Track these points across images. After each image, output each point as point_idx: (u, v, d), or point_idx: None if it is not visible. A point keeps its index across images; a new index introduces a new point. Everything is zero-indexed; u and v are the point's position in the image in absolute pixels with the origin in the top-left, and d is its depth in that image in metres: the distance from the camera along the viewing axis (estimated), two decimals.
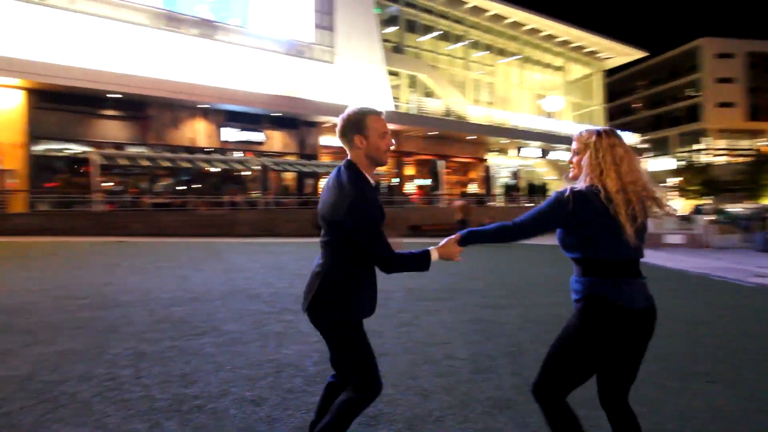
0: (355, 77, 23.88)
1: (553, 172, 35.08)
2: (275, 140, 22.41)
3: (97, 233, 13.58)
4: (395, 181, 26.91)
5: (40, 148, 17.22)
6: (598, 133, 1.97)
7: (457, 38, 31.54)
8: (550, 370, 1.96)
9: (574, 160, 2.04)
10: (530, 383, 2.08)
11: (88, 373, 3.38)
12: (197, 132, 20.28)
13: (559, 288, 7.49)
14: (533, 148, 33.15)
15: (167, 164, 16.82)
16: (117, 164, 16.27)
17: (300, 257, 10.23)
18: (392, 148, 2.10)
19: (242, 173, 21.46)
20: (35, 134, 16.98)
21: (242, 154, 21.21)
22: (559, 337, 1.98)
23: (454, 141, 28.92)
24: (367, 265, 2.04)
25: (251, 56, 21.11)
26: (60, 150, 17.83)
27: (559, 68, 38.71)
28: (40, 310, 5.14)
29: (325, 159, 23.31)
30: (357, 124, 2.05)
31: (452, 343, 4.39)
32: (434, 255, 2.07)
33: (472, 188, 30.03)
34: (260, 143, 21.90)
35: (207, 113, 20.38)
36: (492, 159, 32.05)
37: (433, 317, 5.34)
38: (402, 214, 20.60)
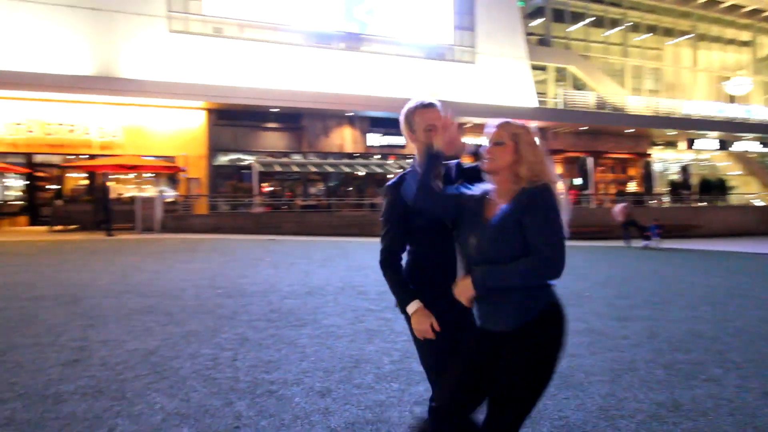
0: (497, 75, 23.29)
1: (738, 166, 29.88)
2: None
3: (255, 232, 15.45)
4: None
5: (219, 159, 20.16)
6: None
7: (613, 23, 28.72)
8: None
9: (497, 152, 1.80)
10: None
11: (196, 353, 3.91)
12: (345, 138, 21.74)
13: (708, 300, 6.45)
14: (710, 140, 28.62)
15: (314, 169, 18.37)
16: (274, 171, 18.33)
17: None
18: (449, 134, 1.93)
19: (386, 176, 22.41)
20: (214, 147, 19.93)
21: (381, 158, 22.15)
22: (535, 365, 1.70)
23: (609, 136, 26.39)
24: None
25: (393, 63, 21.94)
26: (232, 160, 20.63)
27: (746, 44, 32.80)
28: (185, 296, 6.05)
29: (466, 159, 23.12)
30: (406, 120, 2.08)
31: None
32: (411, 308, 1.96)
33: (631, 187, 27.04)
34: (402, 146, 22.61)
35: (353, 120, 21.73)
36: (656, 154, 28.47)
37: None
38: None
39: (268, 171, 18.45)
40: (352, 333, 4.59)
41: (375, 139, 21.90)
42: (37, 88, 17.10)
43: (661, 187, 26.57)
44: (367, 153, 22.03)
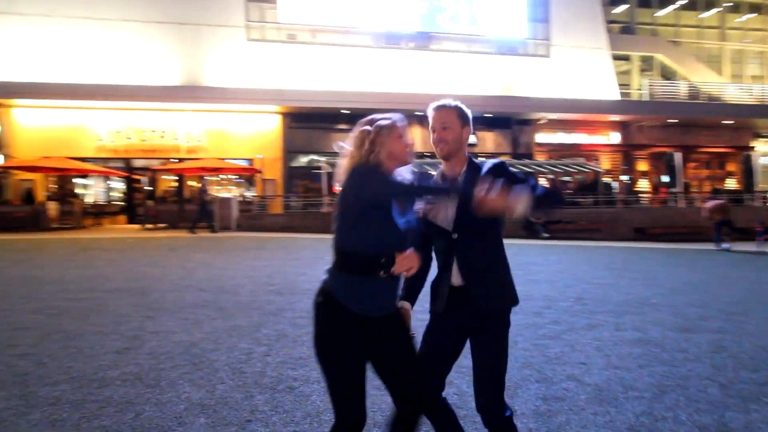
0: (574, 67, 22.15)
1: None
2: (488, 141, 22.43)
3: (323, 231, 15.91)
4: (624, 178, 23.95)
5: (293, 160, 21.01)
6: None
7: (708, 4, 26.21)
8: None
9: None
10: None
11: (234, 347, 4.11)
12: (415, 139, 21.75)
13: None
14: None
15: None
16: None
17: None
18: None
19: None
20: (288, 149, 20.78)
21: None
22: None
23: (703, 128, 24.13)
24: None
25: (463, 61, 21.62)
26: (305, 161, 21.38)
27: None
28: (241, 292, 6.37)
29: (540, 157, 22.29)
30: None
31: (589, 364, 3.83)
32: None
33: (730, 184, 24.55)
34: (473, 145, 22.23)
35: (423, 120, 21.63)
36: (761, 147, 25.62)
37: (590, 332, 4.71)
38: (624, 214, 18.23)
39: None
40: None
41: None
42: (134, 98, 18.83)
43: (765, 184, 23.91)
44: None
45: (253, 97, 19.31)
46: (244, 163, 20.01)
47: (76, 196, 19.76)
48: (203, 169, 18.56)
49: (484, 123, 22.12)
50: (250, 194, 20.79)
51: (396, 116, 1.94)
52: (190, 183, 21.17)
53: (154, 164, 20.15)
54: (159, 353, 3.92)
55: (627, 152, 23.94)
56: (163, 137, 20.16)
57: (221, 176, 20.95)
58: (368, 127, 1.89)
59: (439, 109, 2.09)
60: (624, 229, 17.02)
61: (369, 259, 1.79)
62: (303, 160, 21.41)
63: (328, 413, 2.90)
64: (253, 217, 17.47)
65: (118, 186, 21.56)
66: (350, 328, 1.79)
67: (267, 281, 7.12)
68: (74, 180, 20.83)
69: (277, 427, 2.73)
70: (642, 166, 24.57)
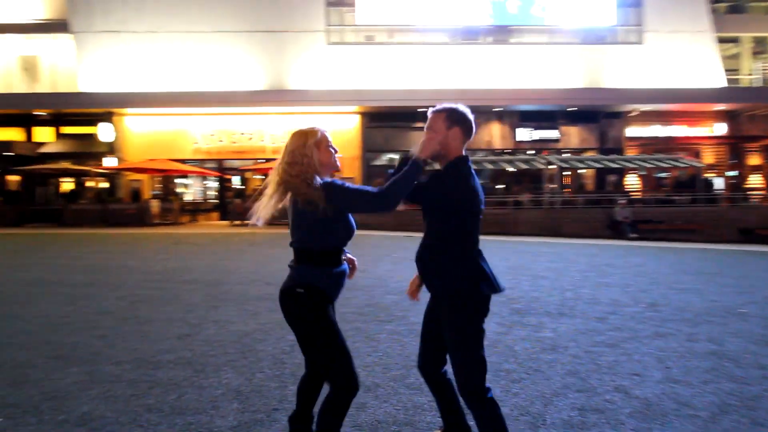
0: (671, 54, 20.33)
1: None
2: (572, 136, 21.32)
3: (395, 228, 16.08)
4: (731, 174, 21.60)
5: (371, 159, 21.42)
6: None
7: None
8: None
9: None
10: None
11: (282, 338, 4.31)
12: (493, 135, 21.24)
13: None
14: None
15: None
16: None
17: (552, 258, 9.63)
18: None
19: (539, 172, 21.31)
20: (366, 148, 21.21)
21: (533, 153, 21.05)
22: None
23: None
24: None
25: (545, 53, 20.71)
26: (383, 160, 21.69)
27: None
28: None
29: (631, 152, 20.76)
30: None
31: (643, 376, 3.55)
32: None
33: None
34: (556, 140, 21.25)
35: (501, 116, 21.10)
36: None
37: (654, 342, 4.36)
38: (728, 213, 16.46)
39: None
40: None
41: (525, 134, 20.95)
42: (225, 104, 20.23)
43: None
44: (516, 149, 21.19)
45: (333, 99, 19.95)
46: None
47: (175, 194, 21.62)
48: None
49: (568, 117, 21.06)
50: None
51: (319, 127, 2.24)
52: None
53: (244, 164, 21.50)
54: (213, 341, 4.22)
55: (735, 145, 21.56)
56: (251, 139, 21.45)
57: None
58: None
59: (431, 113, 2.30)
60: (727, 229, 15.40)
61: (338, 252, 2.17)
62: (381, 158, 21.73)
63: (351, 408, 2.96)
64: None
65: (213, 185, 23.32)
66: (330, 310, 2.14)
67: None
68: (175, 180, 22.82)
69: None
70: (754, 159, 22.00)
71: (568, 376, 3.52)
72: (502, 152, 21.11)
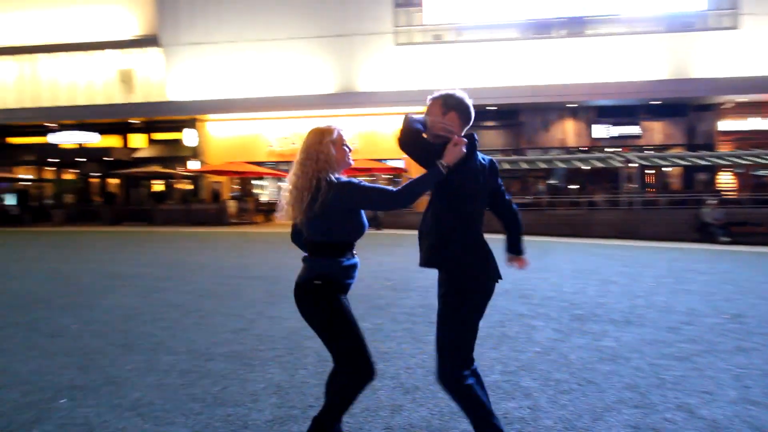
0: None
1: None
2: (655, 132, 19.87)
3: None
4: None
5: None
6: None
7: None
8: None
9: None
10: None
11: None
12: (567, 132, 20.32)
13: None
14: None
15: (526, 166, 17.70)
16: None
17: (626, 262, 8.98)
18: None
19: (617, 171, 20.10)
20: None
21: (615, 151, 19.84)
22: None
23: None
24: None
25: (625, 44, 19.47)
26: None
27: None
28: (359, 286, 6.67)
29: (723, 148, 18.97)
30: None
31: (715, 394, 3.22)
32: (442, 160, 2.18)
33: None
34: (637, 137, 19.92)
35: (576, 112, 20.13)
36: None
37: (734, 357, 3.94)
38: None
39: None
40: (484, 336, 4.42)
41: (602, 130, 19.82)
42: (297, 108, 20.96)
43: None
44: (593, 146, 20.09)
45: (401, 99, 19.99)
46: (396, 164, 20.83)
47: (251, 195, 22.69)
48: (355, 170, 19.86)
49: (651, 112, 19.66)
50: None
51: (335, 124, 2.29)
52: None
53: None
54: (265, 336, 4.36)
55: None
56: None
57: (373, 176, 22.14)
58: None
59: (429, 99, 2.37)
60: None
61: (350, 246, 2.24)
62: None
63: (385, 410, 2.93)
64: (394, 215, 18.15)
65: (286, 185, 24.26)
66: (344, 300, 2.22)
67: (386, 276, 7.36)
68: (253, 181, 23.98)
69: None
70: None
71: (626, 390, 3.26)
72: (577, 150, 20.14)
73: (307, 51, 21.38)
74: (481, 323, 4.76)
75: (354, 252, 2.28)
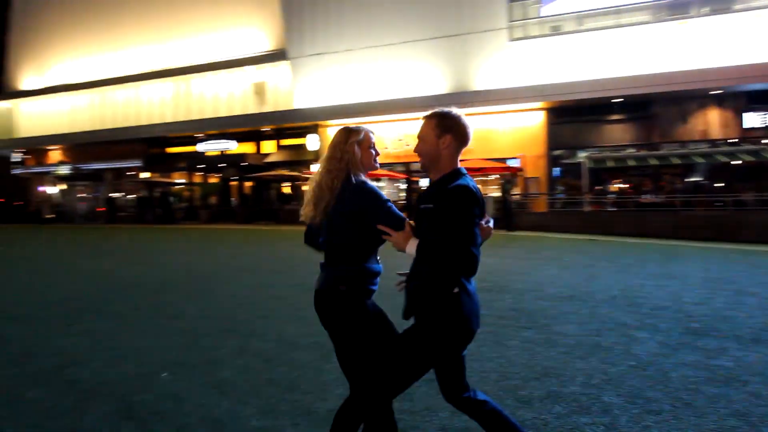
0: None
1: None
2: None
3: (580, 231, 14.74)
4: None
5: (558, 157, 20.16)
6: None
7: None
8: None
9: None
10: None
11: None
12: (709, 123, 17.93)
13: None
14: None
15: (656, 162, 15.92)
16: (605, 167, 16.92)
17: None
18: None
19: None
20: (552, 146, 20.00)
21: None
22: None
23: None
24: None
25: None
26: (570, 157, 20.18)
27: None
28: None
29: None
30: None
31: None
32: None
33: None
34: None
35: (722, 100, 17.67)
36: None
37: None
38: None
39: (607, 167, 17.17)
40: (574, 344, 4.16)
41: (756, 119, 17.16)
42: (410, 110, 21.31)
43: None
44: (745, 138, 17.46)
45: (516, 96, 19.33)
46: (510, 162, 20.21)
47: None
48: (469, 169, 19.60)
49: None
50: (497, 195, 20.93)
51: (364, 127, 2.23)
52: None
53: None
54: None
55: None
56: None
57: (487, 176, 21.69)
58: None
59: (423, 119, 2.13)
60: None
61: (373, 249, 2.15)
62: (569, 156, 20.24)
63: (444, 411, 2.90)
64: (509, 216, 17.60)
65: (403, 187, 24.81)
66: (369, 307, 2.14)
67: (482, 277, 7.19)
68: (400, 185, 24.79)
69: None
70: None
71: (731, 418, 2.86)
72: (724, 142, 17.67)
73: (420, 54, 21.63)
74: (574, 332, 4.45)
75: (378, 258, 2.18)
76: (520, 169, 19.86)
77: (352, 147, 2.17)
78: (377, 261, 2.18)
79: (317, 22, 23.91)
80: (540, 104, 19.53)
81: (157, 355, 3.84)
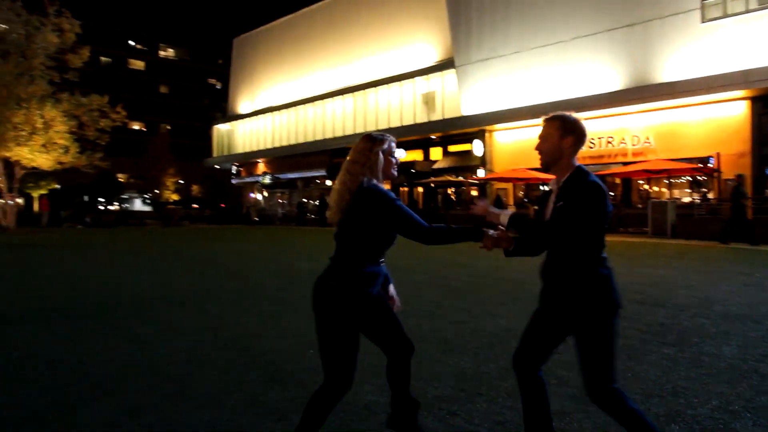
0: None
1: None
2: None
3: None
4: None
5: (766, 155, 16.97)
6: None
7: None
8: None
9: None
10: None
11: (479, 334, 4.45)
12: None
13: None
14: None
15: None
16: None
17: None
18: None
19: None
20: (760, 140, 16.90)
21: None
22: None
23: None
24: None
25: None
26: None
27: None
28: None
29: None
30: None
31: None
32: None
33: None
34: None
35: None
36: None
37: None
38: None
39: None
40: (723, 367, 3.76)
41: None
42: (582, 109, 20.08)
43: None
44: None
45: (712, 85, 16.84)
46: (707, 162, 17.67)
47: (530, 201, 22.77)
48: (648, 171, 17.75)
49: None
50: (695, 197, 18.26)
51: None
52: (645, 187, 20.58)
53: (603, 169, 20.72)
54: (478, 330, 4.77)
55: None
56: (611, 142, 20.48)
57: (672, 179, 19.29)
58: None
59: (545, 121, 2.29)
60: None
61: (377, 252, 2.33)
62: None
63: (508, 412, 2.99)
64: (696, 223, 15.35)
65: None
66: (365, 305, 2.32)
67: (639, 289, 6.65)
68: (541, 187, 23.90)
69: (460, 426, 3.10)
70: None
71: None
72: None
73: (592, 49, 20.27)
74: (731, 353, 4.01)
75: (382, 260, 2.32)
76: (715, 170, 17.22)
77: (377, 155, 2.33)
78: (380, 264, 2.32)
79: (484, 28, 24.07)
80: (742, 93, 16.68)
81: (311, 335, 4.59)
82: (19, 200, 30.31)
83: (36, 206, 33.77)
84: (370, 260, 2.28)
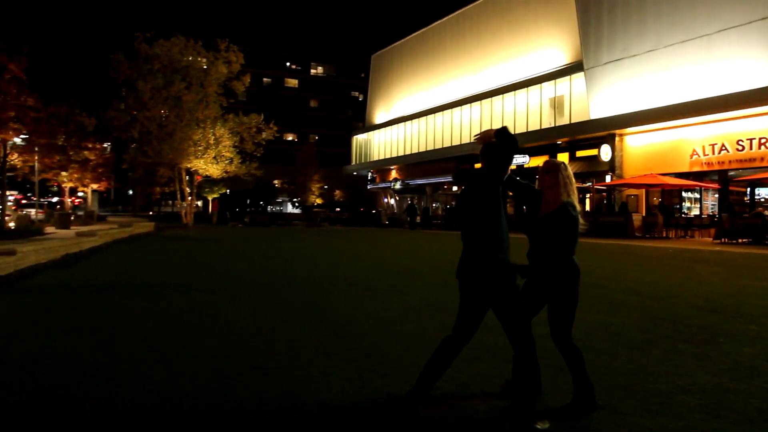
0: None
1: None
2: None
3: None
4: None
5: None
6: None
7: None
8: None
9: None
10: None
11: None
12: None
13: None
14: None
15: None
16: None
17: None
18: None
19: None
20: None
21: None
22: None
23: None
24: None
25: None
26: None
27: None
28: (676, 302, 6.45)
29: None
30: None
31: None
32: None
33: None
34: None
35: None
36: None
37: None
38: None
39: None
40: (732, 364, 4.05)
41: None
42: (726, 108, 18.34)
43: None
44: None
45: None
46: None
47: (666, 208, 21.15)
48: None
49: None
50: None
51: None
52: None
53: (750, 174, 18.64)
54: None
55: None
56: (764, 144, 18.35)
57: None
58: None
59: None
60: None
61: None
62: None
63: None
64: None
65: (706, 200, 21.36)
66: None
67: (706, 296, 6.62)
68: (684, 193, 22.11)
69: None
70: None
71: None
72: None
73: (739, 41, 18.37)
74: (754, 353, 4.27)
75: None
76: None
77: (572, 178, 3.19)
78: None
79: (616, 28, 23.09)
80: None
81: (379, 315, 5.79)
82: (198, 203, 36.59)
83: (210, 208, 40.38)
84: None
